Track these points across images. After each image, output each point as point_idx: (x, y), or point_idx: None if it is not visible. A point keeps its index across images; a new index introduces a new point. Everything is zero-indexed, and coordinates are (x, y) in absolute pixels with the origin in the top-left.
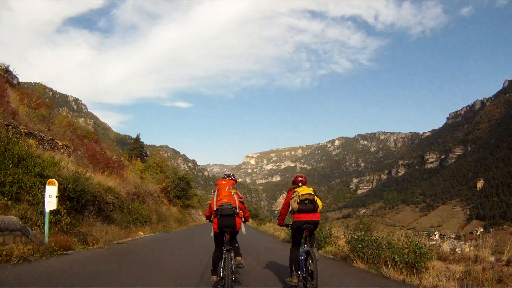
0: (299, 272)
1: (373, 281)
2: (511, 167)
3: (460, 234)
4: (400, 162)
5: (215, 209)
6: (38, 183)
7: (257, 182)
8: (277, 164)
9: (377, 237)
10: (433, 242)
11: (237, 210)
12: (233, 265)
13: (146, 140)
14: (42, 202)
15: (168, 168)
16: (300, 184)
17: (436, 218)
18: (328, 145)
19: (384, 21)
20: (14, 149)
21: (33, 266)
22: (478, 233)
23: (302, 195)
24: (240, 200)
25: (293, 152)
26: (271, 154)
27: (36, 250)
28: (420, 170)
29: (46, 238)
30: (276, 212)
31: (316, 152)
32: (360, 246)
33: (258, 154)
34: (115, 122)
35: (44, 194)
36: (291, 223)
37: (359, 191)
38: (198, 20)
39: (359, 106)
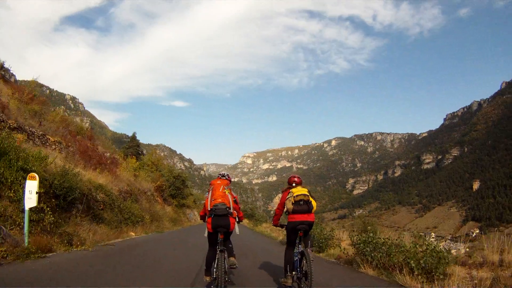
0: (294, 273)
1: None
2: (507, 168)
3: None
4: (397, 162)
5: (209, 209)
6: (20, 178)
7: (253, 182)
8: (274, 163)
9: (386, 239)
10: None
11: (231, 210)
12: (226, 266)
13: (142, 139)
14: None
15: (164, 167)
16: (294, 184)
17: (432, 219)
18: (325, 145)
19: (382, 22)
20: None
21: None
22: (474, 234)
23: (297, 195)
24: (234, 200)
25: (289, 152)
26: (268, 154)
27: (10, 252)
28: (416, 170)
29: (26, 239)
30: (272, 212)
31: (313, 152)
32: (369, 249)
33: (255, 154)
34: (112, 121)
35: (24, 190)
36: (286, 223)
37: (355, 192)
38: (196, 19)
39: (356, 107)
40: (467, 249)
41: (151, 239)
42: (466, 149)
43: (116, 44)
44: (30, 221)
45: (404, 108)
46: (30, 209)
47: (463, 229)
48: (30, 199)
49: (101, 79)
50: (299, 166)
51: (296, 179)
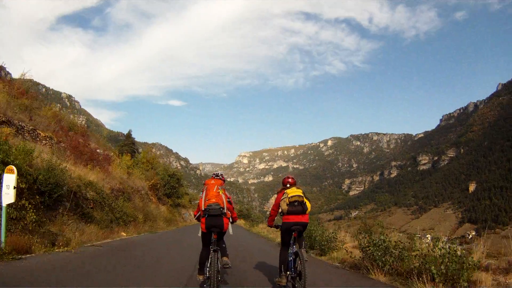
0: (288, 273)
1: None
2: (503, 170)
3: (453, 237)
4: (393, 163)
5: (203, 209)
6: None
7: (249, 182)
8: (270, 163)
9: (398, 242)
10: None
11: (225, 211)
12: (219, 266)
13: (138, 137)
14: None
15: (159, 165)
16: (288, 185)
17: (428, 221)
18: (321, 145)
19: (378, 24)
20: None
21: None
22: (470, 236)
23: (292, 196)
24: (228, 200)
25: (285, 152)
26: (264, 154)
27: None
28: (412, 171)
29: (3, 238)
30: (268, 212)
31: (309, 152)
32: (379, 253)
33: (251, 153)
34: (108, 119)
35: (1, 185)
36: (280, 224)
37: (351, 193)
38: (192, 19)
39: (352, 107)
40: (463, 252)
41: (142, 240)
42: (462, 150)
43: (112, 44)
44: (9, 219)
45: (400, 109)
46: (8, 205)
47: (460, 231)
48: (8, 195)
49: (97, 78)
50: (295, 166)
51: (290, 180)
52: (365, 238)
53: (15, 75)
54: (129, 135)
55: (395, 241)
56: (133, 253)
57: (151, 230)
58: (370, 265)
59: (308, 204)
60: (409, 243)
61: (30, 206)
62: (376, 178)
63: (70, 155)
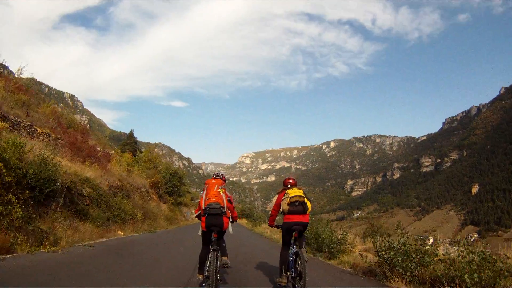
0: (288, 273)
1: None
2: (506, 172)
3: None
4: (396, 165)
5: (203, 208)
6: None
7: (252, 182)
8: (272, 164)
9: (419, 246)
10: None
11: (225, 210)
12: (218, 265)
13: (141, 137)
14: None
15: (161, 164)
16: (289, 186)
17: (430, 222)
18: (324, 146)
19: (381, 26)
20: None
21: None
22: (473, 238)
23: (293, 197)
24: (228, 199)
25: (288, 153)
26: (267, 154)
27: None
28: (415, 173)
29: None
30: (270, 212)
31: (312, 153)
32: (400, 258)
33: (254, 154)
34: (110, 120)
35: None
36: (281, 224)
37: (354, 193)
38: (195, 20)
39: (355, 109)
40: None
41: (140, 239)
42: (465, 153)
43: (115, 43)
44: None
45: (403, 112)
46: None
47: (462, 233)
48: None
49: (100, 78)
50: (298, 166)
51: (291, 180)
52: (383, 241)
53: (17, 74)
54: (131, 134)
55: (415, 245)
56: (127, 255)
57: (151, 229)
58: (389, 271)
59: (308, 204)
60: (428, 246)
61: (17, 201)
62: (379, 179)
63: (67, 151)
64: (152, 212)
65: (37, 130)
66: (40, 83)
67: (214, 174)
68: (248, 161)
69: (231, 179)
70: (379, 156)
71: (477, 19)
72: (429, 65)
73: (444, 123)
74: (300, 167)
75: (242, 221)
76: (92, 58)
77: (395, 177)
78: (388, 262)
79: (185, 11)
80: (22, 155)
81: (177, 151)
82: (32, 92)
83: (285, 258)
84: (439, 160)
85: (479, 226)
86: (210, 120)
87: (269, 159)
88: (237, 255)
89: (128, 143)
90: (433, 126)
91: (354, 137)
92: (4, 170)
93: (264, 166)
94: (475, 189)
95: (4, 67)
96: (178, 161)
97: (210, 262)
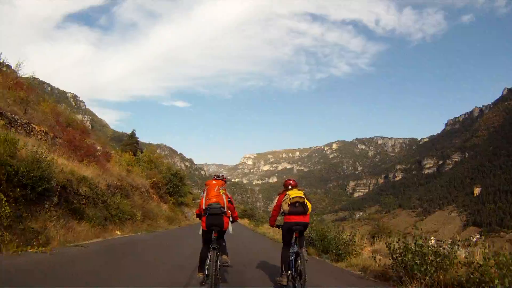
0: (289, 272)
1: None
2: (508, 174)
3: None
4: (398, 166)
5: (204, 208)
6: None
7: (254, 183)
8: (274, 165)
9: (438, 248)
10: None
11: (225, 210)
12: (218, 264)
13: (143, 138)
14: None
15: (163, 164)
16: (290, 187)
17: (432, 223)
18: (326, 148)
19: (385, 27)
20: None
21: None
22: (475, 239)
23: (293, 198)
24: (229, 200)
25: (290, 154)
26: (269, 155)
27: None
28: (417, 175)
29: None
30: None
31: (314, 154)
32: (419, 261)
33: (256, 155)
34: (113, 120)
35: None
36: (282, 224)
37: (356, 195)
38: (198, 20)
39: (357, 110)
40: (467, 254)
41: (137, 239)
42: (467, 154)
43: (118, 43)
44: None
45: (405, 113)
46: None
47: (464, 234)
48: None
49: (102, 78)
50: (300, 168)
51: (292, 182)
52: (398, 242)
53: (20, 73)
54: (132, 134)
55: (434, 246)
56: (121, 256)
57: (150, 228)
58: (406, 275)
59: (309, 205)
60: (444, 248)
61: (6, 199)
62: (381, 180)
63: (64, 149)
64: (152, 212)
65: (34, 128)
66: (43, 83)
67: (215, 175)
68: (250, 162)
69: (233, 180)
70: (381, 158)
71: (480, 20)
72: (431, 66)
73: (446, 125)
74: (302, 168)
75: (244, 222)
76: (95, 57)
77: (397, 178)
78: (404, 265)
79: (188, 11)
80: (15, 152)
81: (179, 152)
82: (32, 90)
83: (286, 257)
84: (441, 162)
85: (481, 227)
86: (212, 121)
87: (271, 160)
88: (238, 255)
89: (129, 143)
90: (435, 127)
91: (356, 139)
92: None
93: (266, 168)
94: (477, 191)
95: (8, 66)
96: (180, 162)
97: (210, 261)
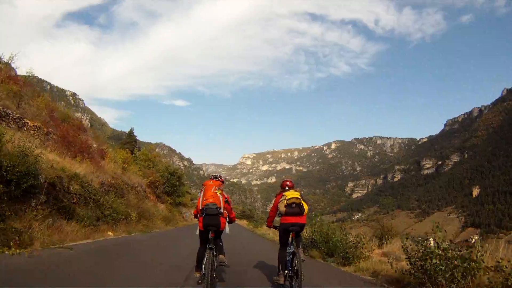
0: (286, 271)
1: None
2: (507, 175)
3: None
4: (396, 167)
5: (200, 208)
6: None
7: (252, 183)
8: (273, 165)
9: (463, 252)
10: None
11: (222, 210)
12: (214, 263)
13: (142, 137)
14: None
15: (161, 163)
16: (287, 188)
17: (431, 224)
18: (325, 148)
19: (384, 26)
20: None
21: None
22: (473, 240)
23: (290, 199)
24: (226, 200)
25: (289, 154)
26: (267, 155)
27: None
28: (416, 175)
29: None
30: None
31: (312, 154)
32: (443, 267)
33: (254, 155)
34: (112, 118)
35: None
36: (279, 225)
37: (355, 195)
38: (198, 19)
39: (356, 110)
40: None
41: (132, 240)
42: (466, 155)
43: (117, 42)
44: None
45: (404, 113)
46: None
47: (463, 235)
48: None
49: (102, 76)
50: (298, 168)
51: (288, 183)
52: (419, 245)
53: (20, 71)
54: (130, 132)
55: (458, 249)
56: (110, 259)
57: (145, 229)
58: (428, 282)
59: (305, 206)
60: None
61: None
62: (380, 181)
63: (57, 145)
64: (148, 212)
65: (27, 122)
66: (42, 81)
67: (212, 175)
68: (248, 162)
69: (231, 180)
70: (380, 158)
71: (480, 20)
72: (431, 66)
73: (445, 125)
74: (301, 168)
75: (243, 222)
76: (94, 56)
77: (396, 179)
78: (423, 270)
79: (188, 10)
80: (0, 146)
81: (178, 151)
82: (28, 84)
83: (283, 257)
84: (440, 163)
85: (480, 228)
86: (211, 120)
87: (270, 160)
88: (237, 256)
89: (127, 142)
90: (434, 127)
91: (355, 139)
92: None
93: (265, 168)
94: (476, 192)
95: (7, 64)
96: (178, 162)
97: (206, 261)
